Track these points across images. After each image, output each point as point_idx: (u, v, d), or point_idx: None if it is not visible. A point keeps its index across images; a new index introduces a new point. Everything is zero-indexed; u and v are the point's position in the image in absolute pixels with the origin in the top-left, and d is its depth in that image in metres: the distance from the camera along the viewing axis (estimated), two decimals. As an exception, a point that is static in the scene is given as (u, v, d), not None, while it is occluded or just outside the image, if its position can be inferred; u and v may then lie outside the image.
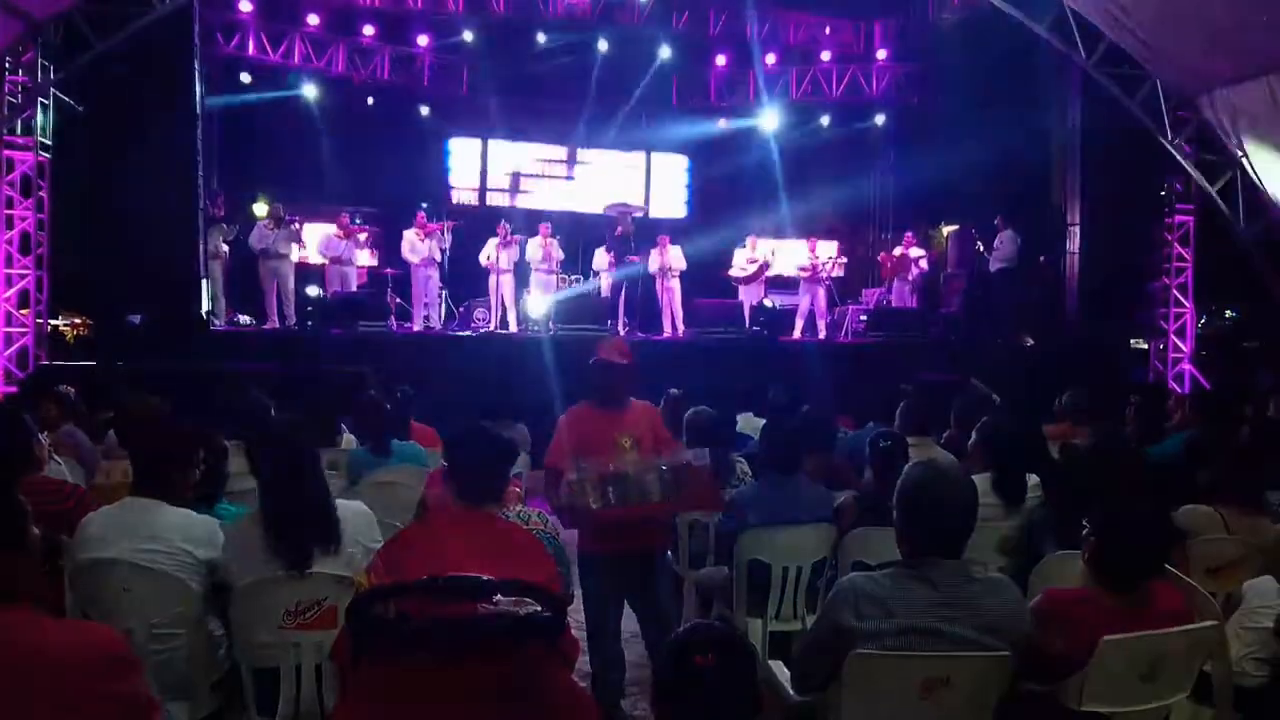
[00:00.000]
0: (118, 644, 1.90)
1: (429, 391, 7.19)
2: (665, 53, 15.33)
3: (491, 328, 12.58)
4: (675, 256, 13.03)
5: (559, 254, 12.96)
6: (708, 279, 14.03)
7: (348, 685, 2.12)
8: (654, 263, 13.05)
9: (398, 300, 12.88)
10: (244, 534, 2.96)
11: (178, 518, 3.02)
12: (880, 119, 16.29)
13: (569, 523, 3.91)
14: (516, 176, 16.41)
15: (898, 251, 13.94)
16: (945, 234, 15.39)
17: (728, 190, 16.41)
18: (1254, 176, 10.26)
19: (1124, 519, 2.56)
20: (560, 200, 16.24)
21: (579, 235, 14.14)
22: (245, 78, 14.01)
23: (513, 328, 12.56)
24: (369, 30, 14.83)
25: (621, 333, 12.35)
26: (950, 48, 14.44)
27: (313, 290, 12.54)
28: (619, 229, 13.26)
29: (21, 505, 2.02)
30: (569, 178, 16.64)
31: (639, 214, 14.31)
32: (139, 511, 3.01)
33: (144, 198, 10.60)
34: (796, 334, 13.28)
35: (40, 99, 10.10)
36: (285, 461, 3.09)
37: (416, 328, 12.25)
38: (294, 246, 12.11)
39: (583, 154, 16.73)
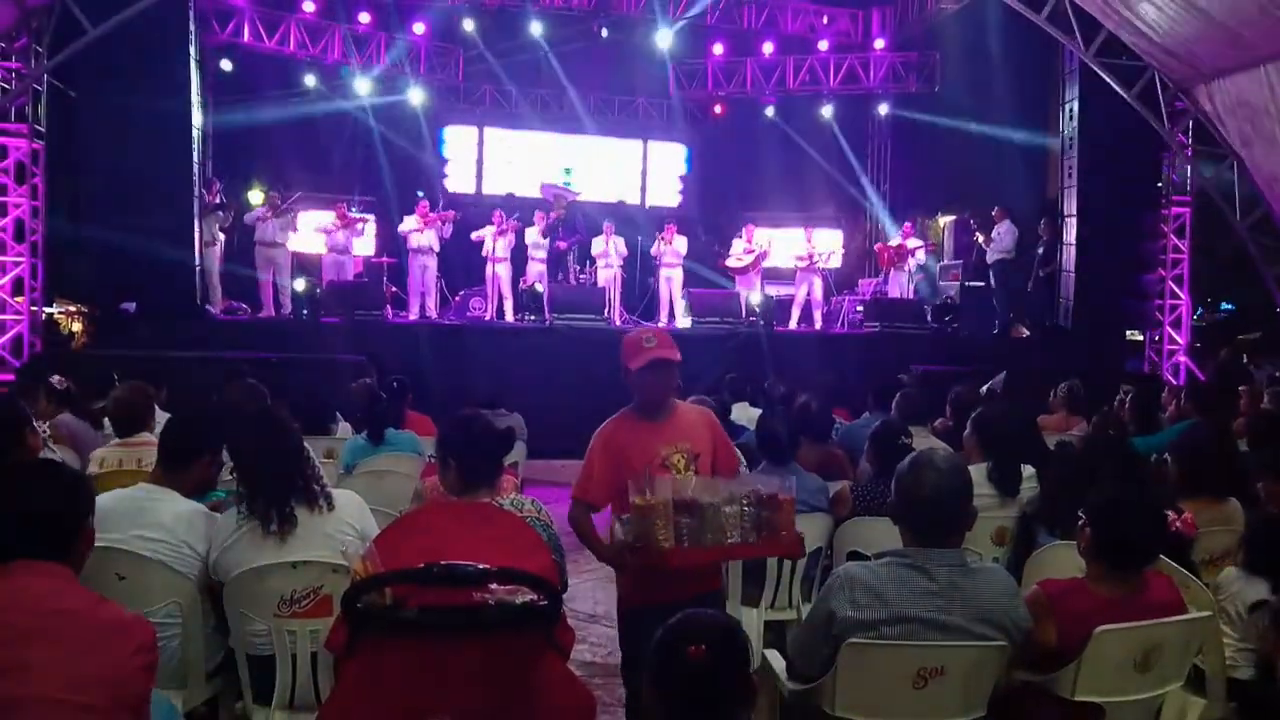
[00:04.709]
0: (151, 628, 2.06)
1: (425, 380, 7.19)
2: (663, 41, 15.27)
3: (488, 317, 12.57)
4: (679, 245, 13.00)
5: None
6: (705, 269, 14.01)
7: (342, 673, 2.12)
8: (657, 250, 13.03)
9: (394, 289, 12.85)
10: (232, 514, 2.96)
11: (188, 510, 3.01)
12: (878, 108, 16.26)
13: (622, 569, 3.12)
14: (512, 164, 16.37)
15: (895, 242, 13.93)
16: (943, 224, 15.38)
17: (725, 180, 16.38)
18: (1249, 167, 10.27)
19: (1118, 508, 2.56)
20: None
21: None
22: (241, 65, 13.94)
23: (509, 317, 12.55)
24: (365, 18, 14.78)
25: (619, 322, 12.33)
26: (948, 37, 14.41)
27: (307, 280, 12.49)
28: (552, 213, 13.16)
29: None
30: (565, 167, 16.58)
31: (574, 198, 14.24)
32: (149, 499, 2.99)
33: (139, 185, 10.57)
34: (793, 324, 13.28)
35: (34, 85, 10.05)
36: (254, 424, 3.07)
37: (413, 317, 12.22)
38: (290, 234, 12.07)
39: (579, 142, 16.67)
